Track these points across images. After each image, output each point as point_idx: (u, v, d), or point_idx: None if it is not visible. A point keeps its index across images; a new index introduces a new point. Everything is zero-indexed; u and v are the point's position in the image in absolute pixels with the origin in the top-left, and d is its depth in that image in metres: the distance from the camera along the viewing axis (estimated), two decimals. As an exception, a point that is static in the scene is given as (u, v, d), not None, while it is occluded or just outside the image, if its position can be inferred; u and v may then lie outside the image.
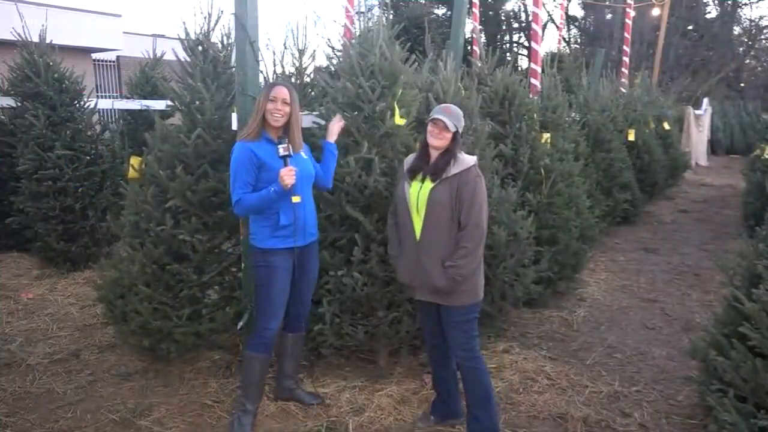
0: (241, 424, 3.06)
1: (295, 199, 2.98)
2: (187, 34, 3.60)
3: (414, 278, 2.94)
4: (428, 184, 2.86)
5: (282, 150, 2.91)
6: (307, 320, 3.37)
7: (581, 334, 4.53)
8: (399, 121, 3.49)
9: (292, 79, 4.48)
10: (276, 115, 2.96)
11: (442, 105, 2.99)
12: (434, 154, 2.91)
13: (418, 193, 2.87)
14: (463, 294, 2.86)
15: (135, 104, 7.31)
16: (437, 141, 2.86)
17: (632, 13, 11.29)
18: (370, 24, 3.78)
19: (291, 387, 3.39)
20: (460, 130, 2.92)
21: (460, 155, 2.89)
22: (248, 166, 2.94)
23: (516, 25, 29.55)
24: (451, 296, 2.85)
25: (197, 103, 3.52)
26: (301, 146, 3.11)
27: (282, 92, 2.97)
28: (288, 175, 2.86)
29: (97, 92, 13.12)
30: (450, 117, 2.85)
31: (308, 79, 4.56)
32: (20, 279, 5.68)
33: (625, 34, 11.24)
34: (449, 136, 2.85)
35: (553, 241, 4.86)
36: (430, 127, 2.88)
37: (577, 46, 29.89)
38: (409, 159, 3.05)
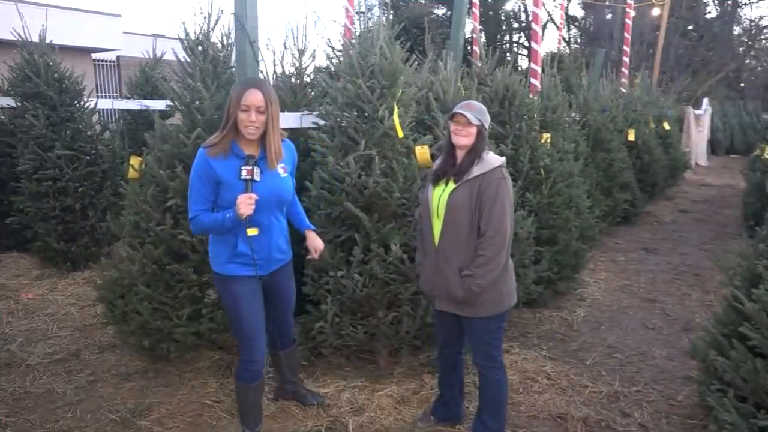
0: None
1: (251, 231, 2.60)
2: (187, 34, 3.60)
3: (434, 287, 2.83)
4: (450, 187, 2.72)
5: (244, 173, 2.52)
6: (293, 334, 3.21)
7: (581, 334, 4.53)
8: (400, 133, 3.49)
9: (292, 79, 4.49)
10: (250, 128, 2.53)
11: (464, 102, 2.82)
12: (460, 155, 2.75)
13: (439, 196, 2.75)
14: (484, 305, 2.72)
15: (135, 104, 7.31)
16: (462, 139, 2.69)
17: (632, 13, 11.28)
18: (370, 24, 3.78)
19: (292, 388, 3.35)
20: (486, 126, 2.73)
21: (485, 155, 2.72)
22: (204, 180, 2.58)
23: (516, 25, 29.56)
24: (471, 307, 2.72)
25: (197, 103, 3.52)
26: (280, 159, 2.67)
27: (255, 99, 2.50)
28: (245, 204, 2.49)
29: (97, 92, 13.13)
30: (473, 111, 2.69)
31: (308, 79, 4.58)
32: (20, 279, 5.67)
33: (625, 34, 11.23)
34: (474, 131, 2.68)
35: (553, 241, 4.86)
36: (452, 126, 2.73)
37: (577, 46, 29.90)
38: (436, 163, 2.92)
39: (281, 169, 2.70)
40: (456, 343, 3.00)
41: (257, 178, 2.56)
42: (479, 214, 2.66)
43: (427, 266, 2.87)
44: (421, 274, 2.94)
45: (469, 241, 2.69)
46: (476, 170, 2.68)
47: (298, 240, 3.14)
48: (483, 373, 2.86)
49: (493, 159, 2.73)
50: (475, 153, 2.71)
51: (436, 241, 2.78)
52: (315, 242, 3.01)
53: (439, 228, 2.76)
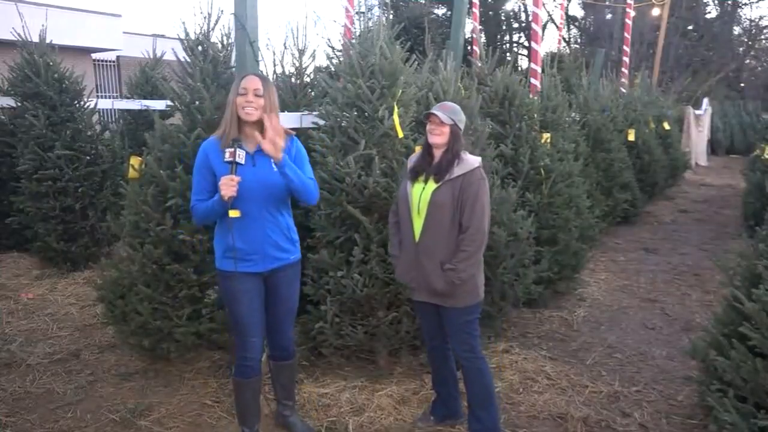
0: None
1: (233, 213, 2.57)
2: (187, 34, 3.60)
3: (413, 279, 2.92)
4: (431, 186, 2.82)
5: (227, 155, 2.54)
6: (292, 349, 3.04)
7: (581, 334, 4.53)
8: (400, 134, 3.49)
9: (292, 79, 4.50)
10: (248, 109, 2.59)
11: (438, 104, 2.99)
12: (437, 154, 2.87)
13: (420, 194, 2.84)
14: (463, 295, 2.84)
15: (135, 104, 7.31)
16: (436, 138, 2.82)
17: (632, 13, 11.28)
18: (370, 24, 3.78)
19: (284, 413, 3.11)
20: (460, 126, 2.87)
21: (464, 156, 2.85)
22: (202, 170, 2.68)
23: (516, 25, 29.54)
24: (451, 298, 2.83)
25: (197, 103, 3.52)
26: (279, 147, 2.59)
27: (252, 82, 2.60)
28: (226, 185, 2.49)
29: (97, 92, 13.13)
30: (444, 111, 2.83)
31: (308, 79, 4.58)
32: (20, 279, 5.67)
33: (625, 34, 11.23)
34: (446, 130, 2.81)
35: (553, 241, 4.86)
36: (428, 126, 2.86)
37: (577, 46, 29.89)
38: (413, 159, 3.01)
39: (275, 165, 2.64)
40: (440, 333, 3.04)
41: (241, 160, 2.56)
42: (461, 212, 2.78)
43: (404, 260, 2.95)
44: (398, 267, 3.02)
45: (450, 236, 2.80)
46: (457, 170, 2.80)
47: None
48: (466, 366, 2.93)
49: (472, 160, 2.86)
50: (452, 153, 2.83)
51: (417, 236, 2.87)
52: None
53: (420, 224, 2.85)
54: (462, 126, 2.89)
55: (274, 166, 2.62)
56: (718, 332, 3.00)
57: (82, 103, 6.06)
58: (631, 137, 8.73)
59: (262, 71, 3.72)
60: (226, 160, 2.56)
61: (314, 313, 3.52)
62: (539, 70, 5.85)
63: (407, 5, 17.55)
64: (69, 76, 6.04)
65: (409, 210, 2.89)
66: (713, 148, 20.52)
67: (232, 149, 2.55)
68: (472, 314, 2.91)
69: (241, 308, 2.72)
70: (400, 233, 2.99)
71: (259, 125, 2.63)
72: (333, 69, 4.36)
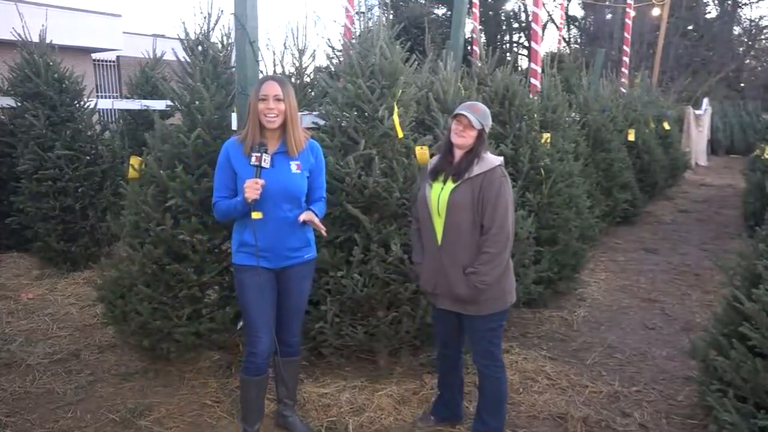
0: None
1: (255, 215, 2.65)
2: (187, 34, 3.60)
3: (437, 285, 2.81)
4: (449, 186, 2.72)
5: (253, 159, 2.60)
6: (297, 346, 3.07)
7: (581, 334, 4.53)
8: (400, 134, 3.49)
9: (292, 79, 4.49)
10: (269, 115, 2.64)
11: (469, 102, 2.84)
12: (458, 154, 2.76)
13: (438, 195, 2.75)
14: (487, 302, 2.72)
15: (135, 104, 7.32)
16: (460, 139, 2.71)
17: (632, 13, 11.30)
18: (370, 24, 3.78)
19: (284, 413, 3.10)
20: (487, 129, 2.76)
21: (485, 155, 2.74)
22: (224, 168, 2.76)
23: (516, 25, 29.56)
24: (475, 305, 2.73)
25: (197, 103, 3.52)
26: (300, 149, 2.76)
27: (272, 88, 2.64)
28: (250, 188, 2.57)
29: (97, 92, 13.14)
30: (476, 114, 2.70)
31: (308, 79, 4.58)
32: (20, 279, 5.68)
33: (625, 34, 11.24)
34: (473, 134, 2.71)
35: (553, 241, 4.86)
36: (453, 125, 2.74)
37: (577, 46, 29.89)
38: (433, 161, 2.91)
39: (294, 165, 2.74)
40: (456, 342, 3.00)
41: (266, 164, 2.62)
42: (482, 212, 2.67)
43: (428, 265, 2.85)
44: (422, 274, 2.92)
45: (472, 238, 2.69)
46: (477, 169, 2.70)
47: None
48: (484, 372, 2.86)
49: (493, 158, 2.76)
50: (474, 153, 2.73)
51: (439, 239, 2.77)
52: (306, 215, 2.77)
53: (441, 226, 2.76)
54: (488, 129, 2.78)
55: (292, 166, 2.72)
56: (718, 332, 3.00)
57: (82, 103, 6.07)
58: (631, 137, 8.73)
59: (262, 71, 3.73)
60: (252, 164, 2.61)
61: (314, 313, 3.52)
62: (539, 70, 5.85)
63: (407, 5, 17.56)
64: (69, 76, 6.04)
65: (430, 213, 2.79)
66: (713, 148, 20.53)
67: (258, 154, 2.61)
68: (497, 322, 2.79)
69: (250, 302, 2.77)
70: (422, 239, 2.89)
71: (282, 129, 2.72)
72: (333, 69, 4.36)
